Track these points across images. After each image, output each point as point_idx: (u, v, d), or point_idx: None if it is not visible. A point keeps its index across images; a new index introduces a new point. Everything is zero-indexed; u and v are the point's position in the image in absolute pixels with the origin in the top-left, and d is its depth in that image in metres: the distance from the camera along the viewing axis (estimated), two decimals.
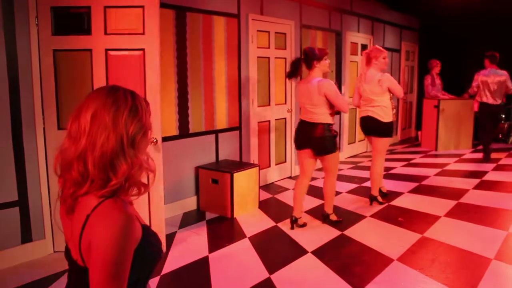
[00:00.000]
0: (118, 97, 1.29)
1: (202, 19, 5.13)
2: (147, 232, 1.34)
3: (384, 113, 5.14)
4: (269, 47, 6.23)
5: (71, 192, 1.27)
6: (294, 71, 4.43)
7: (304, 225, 4.63)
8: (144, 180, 1.37)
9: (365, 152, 9.08)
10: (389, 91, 5.15)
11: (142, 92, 3.76)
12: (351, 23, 8.21)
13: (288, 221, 4.72)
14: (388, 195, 5.63)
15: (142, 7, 3.67)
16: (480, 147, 8.41)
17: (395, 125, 9.71)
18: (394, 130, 9.93)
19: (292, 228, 4.55)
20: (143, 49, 3.73)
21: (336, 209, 5.09)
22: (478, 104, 7.84)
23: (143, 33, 3.70)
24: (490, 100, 7.60)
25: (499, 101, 7.63)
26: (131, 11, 3.67)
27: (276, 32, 6.33)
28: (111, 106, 1.26)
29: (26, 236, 3.76)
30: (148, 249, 1.32)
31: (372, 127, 5.24)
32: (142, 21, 3.69)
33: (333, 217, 4.71)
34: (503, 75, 7.56)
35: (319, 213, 4.92)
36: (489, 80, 7.56)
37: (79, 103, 1.31)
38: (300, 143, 4.53)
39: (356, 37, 8.40)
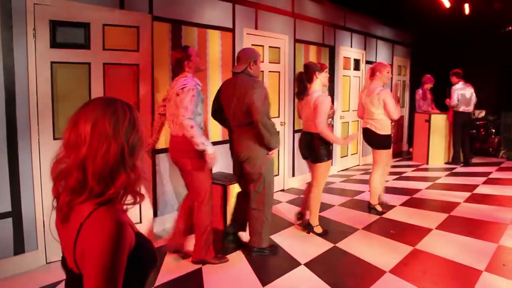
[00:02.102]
0: (117, 108, 1.32)
1: (197, 33, 5.19)
2: (141, 239, 1.35)
3: (381, 125, 5.29)
4: (263, 61, 6.30)
5: (67, 200, 1.28)
6: (302, 89, 4.60)
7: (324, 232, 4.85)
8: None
9: (357, 165, 9.14)
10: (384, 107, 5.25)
11: (135, 104, 4.18)
12: (344, 38, 8.33)
13: (283, 232, 4.81)
14: (386, 206, 5.69)
15: (137, 27, 4.28)
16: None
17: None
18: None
19: (307, 232, 4.81)
20: (137, 64, 4.29)
21: (329, 221, 5.14)
22: (453, 113, 8.71)
23: (138, 50, 4.28)
24: (465, 109, 8.60)
25: (471, 109, 8.71)
26: (127, 30, 4.21)
27: (270, 46, 6.41)
28: (111, 117, 1.29)
29: (19, 247, 3.74)
30: (142, 256, 1.34)
31: (369, 139, 5.45)
32: (137, 39, 4.28)
33: (318, 229, 4.75)
34: (471, 87, 8.60)
35: None
36: (465, 92, 8.50)
37: (74, 113, 1.33)
38: (301, 153, 4.79)
39: (349, 51, 8.51)
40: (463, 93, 8.50)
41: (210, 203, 3.85)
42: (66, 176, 1.29)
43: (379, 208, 5.54)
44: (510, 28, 9.57)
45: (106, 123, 1.28)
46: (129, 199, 1.36)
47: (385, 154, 5.44)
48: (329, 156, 4.59)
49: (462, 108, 8.56)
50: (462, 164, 8.88)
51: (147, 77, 4.43)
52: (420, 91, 9.45)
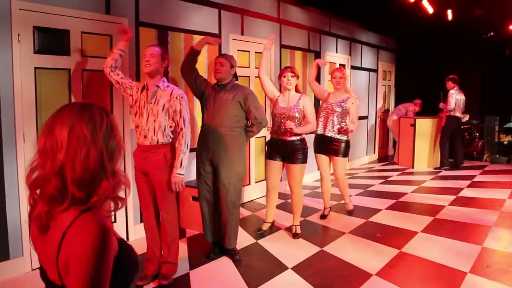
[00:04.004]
0: (94, 113, 1.29)
1: (184, 38, 5.20)
2: (122, 245, 1.32)
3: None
4: (249, 67, 6.33)
5: (46, 209, 1.24)
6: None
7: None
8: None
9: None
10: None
11: (109, 109, 4.17)
12: (330, 43, 8.40)
13: (271, 236, 4.82)
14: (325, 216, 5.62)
15: (110, 36, 4.39)
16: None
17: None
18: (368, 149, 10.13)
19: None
20: None
21: (315, 225, 5.17)
22: (446, 118, 8.78)
23: None
24: (459, 115, 8.80)
25: (461, 115, 8.95)
26: (102, 38, 4.33)
27: (256, 52, 6.43)
28: (88, 122, 1.26)
29: (3, 254, 3.70)
30: (125, 262, 1.31)
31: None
32: (109, 47, 4.34)
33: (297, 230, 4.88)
34: (463, 94, 8.79)
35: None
36: (461, 98, 8.64)
37: (48, 118, 1.29)
38: None
39: (334, 57, 8.57)
40: (458, 98, 8.66)
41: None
42: (43, 184, 1.24)
43: (325, 212, 5.68)
44: (492, 33, 9.75)
45: (83, 128, 1.25)
46: (111, 204, 1.33)
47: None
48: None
49: (456, 113, 8.71)
50: (447, 168, 8.98)
51: None
52: (411, 108, 9.79)
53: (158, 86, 3.53)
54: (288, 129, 4.47)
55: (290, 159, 4.66)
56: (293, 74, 4.67)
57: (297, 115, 4.60)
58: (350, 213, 5.74)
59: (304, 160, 4.70)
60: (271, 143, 4.80)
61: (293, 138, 4.61)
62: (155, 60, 3.50)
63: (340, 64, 8.79)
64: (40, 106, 3.85)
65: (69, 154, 1.23)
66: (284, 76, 4.66)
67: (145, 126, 3.48)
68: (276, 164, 4.78)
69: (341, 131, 5.24)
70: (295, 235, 4.83)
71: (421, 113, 9.82)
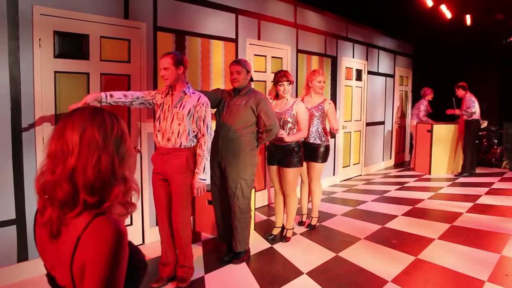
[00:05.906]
0: (105, 118, 1.29)
1: (201, 43, 5.24)
2: (131, 247, 1.32)
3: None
4: (265, 71, 6.35)
5: (57, 214, 1.23)
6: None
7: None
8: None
9: (360, 175, 9.15)
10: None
11: (126, 112, 4.48)
12: (346, 48, 8.38)
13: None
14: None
15: (129, 40, 4.46)
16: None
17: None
18: (387, 154, 10.07)
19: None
20: (128, 75, 4.49)
21: (331, 230, 5.15)
22: (466, 122, 8.62)
23: (129, 61, 4.48)
24: (478, 117, 8.68)
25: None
26: (120, 43, 4.39)
27: (272, 57, 6.45)
28: (99, 127, 1.26)
29: (22, 255, 3.76)
30: (134, 264, 1.31)
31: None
32: (128, 51, 4.47)
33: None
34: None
35: (314, 234, 4.99)
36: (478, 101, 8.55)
37: (59, 122, 1.29)
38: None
39: (351, 62, 8.55)
40: (475, 102, 8.58)
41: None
42: (53, 189, 1.23)
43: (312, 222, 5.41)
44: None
45: (95, 133, 1.24)
46: (122, 209, 1.33)
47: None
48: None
49: (476, 116, 8.57)
50: (467, 174, 8.85)
51: (137, 87, 4.55)
52: (425, 103, 9.54)
53: (184, 92, 3.58)
54: (280, 137, 4.44)
55: (284, 163, 4.69)
56: (289, 82, 4.66)
57: (289, 119, 4.63)
58: (312, 227, 5.31)
59: (299, 164, 4.71)
60: (269, 148, 4.85)
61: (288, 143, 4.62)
62: (169, 72, 3.51)
63: (357, 70, 8.77)
64: (59, 109, 3.92)
65: (80, 159, 1.22)
66: (281, 85, 4.65)
67: (169, 129, 3.53)
68: (275, 169, 4.85)
69: (322, 134, 5.10)
70: (283, 238, 4.86)
71: (439, 119, 9.68)
